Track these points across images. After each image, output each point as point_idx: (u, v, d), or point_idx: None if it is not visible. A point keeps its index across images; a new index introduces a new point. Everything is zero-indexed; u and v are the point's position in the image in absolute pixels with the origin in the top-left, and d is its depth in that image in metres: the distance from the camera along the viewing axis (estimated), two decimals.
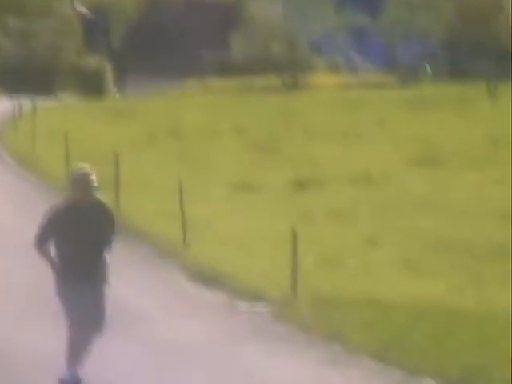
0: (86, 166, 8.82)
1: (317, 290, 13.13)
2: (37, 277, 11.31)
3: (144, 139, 28.42)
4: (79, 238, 8.59)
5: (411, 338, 10.86)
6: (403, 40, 56.15)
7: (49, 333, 10.20)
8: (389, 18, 55.20)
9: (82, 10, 51.33)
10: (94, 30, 46.85)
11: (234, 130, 30.97)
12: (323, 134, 29.91)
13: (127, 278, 13.23)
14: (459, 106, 39.20)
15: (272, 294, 13.19)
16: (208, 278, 14.08)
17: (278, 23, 48.42)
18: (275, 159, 24.86)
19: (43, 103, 34.12)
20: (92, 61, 45.39)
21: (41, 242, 8.65)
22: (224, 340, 11.16)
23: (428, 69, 55.63)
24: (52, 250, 8.70)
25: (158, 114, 34.40)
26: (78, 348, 8.85)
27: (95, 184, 8.69)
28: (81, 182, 8.64)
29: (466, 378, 9.56)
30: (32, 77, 38.66)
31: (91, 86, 41.52)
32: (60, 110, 36.04)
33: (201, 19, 44.92)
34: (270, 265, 14.02)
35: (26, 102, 32.32)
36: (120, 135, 28.29)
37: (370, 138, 28.39)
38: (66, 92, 41.07)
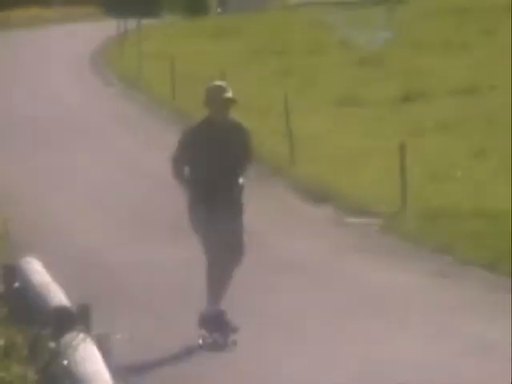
0: (221, 82, 8.65)
1: (425, 203, 13.46)
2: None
3: (248, 56, 28.90)
4: (212, 160, 8.07)
5: None
6: None
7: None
8: None
9: None
10: None
11: (340, 44, 30.87)
12: (429, 44, 30.18)
13: None
14: None
15: (381, 208, 13.46)
16: (316, 194, 14.40)
17: None
18: (381, 73, 24.85)
19: (149, 24, 34.80)
20: None
21: (176, 164, 8.14)
22: (336, 254, 11.44)
23: None
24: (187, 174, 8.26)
25: (261, 30, 34.88)
26: (217, 281, 8.24)
27: (231, 100, 8.22)
28: (214, 97, 8.17)
29: None
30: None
31: (196, 5, 43.07)
32: (165, 30, 37.24)
33: None
34: (378, 179, 14.37)
35: (132, 24, 32.73)
36: (224, 53, 28.78)
37: (477, 47, 28.06)
38: (171, 12, 41.72)
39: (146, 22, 33.59)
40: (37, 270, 7.97)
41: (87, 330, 6.49)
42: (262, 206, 13.72)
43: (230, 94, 8.09)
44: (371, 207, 13.48)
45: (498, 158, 15.84)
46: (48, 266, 7.76)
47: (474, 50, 28.14)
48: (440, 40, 30.23)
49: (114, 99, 23.60)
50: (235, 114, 18.67)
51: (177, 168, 8.05)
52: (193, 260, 9.55)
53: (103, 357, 5.79)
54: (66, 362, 5.86)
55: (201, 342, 7.97)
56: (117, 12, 34.51)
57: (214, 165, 7.93)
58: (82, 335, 6.14)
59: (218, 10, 45.76)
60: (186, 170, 8.14)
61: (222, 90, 8.17)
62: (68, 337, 6.20)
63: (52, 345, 6.48)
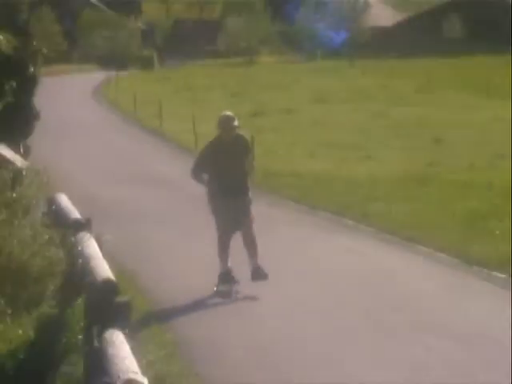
0: (229, 113, 10.82)
1: (264, 168, 19.07)
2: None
3: (173, 91, 46.42)
4: (225, 164, 10.48)
5: None
6: None
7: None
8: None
9: (141, 24, 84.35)
10: (146, 36, 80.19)
11: (219, 84, 49.19)
12: (268, 85, 50.96)
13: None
14: None
15: None
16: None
17: None
18: (242, 101, 38.44)
19: (121, 73, 56.92)
20: (146, 51, 75.10)
21: (195, 171, 10.71)
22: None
23: None
24: (206, 175, 10.76)
25: (180, 77, 55.09)
26: (225, 245, 10.64)
27: (236, 124, 10.63)
28: (225, 123, 10.56)
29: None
30: (114, 60, 65.03)
31: (146, 65, 68.47)
32: (130, 77, 58.63)
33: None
34: None
35: (112, 73, 56.33)
36: (161, 90, 46.23)
37: (293, 88, 45.22)
38: (133, 67, 67.56)
39: (120, 72, 56.94)
40: (64, 200, 11.46)
41: (90, 233, 9.72)
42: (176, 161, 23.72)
43: (236, 122, 10.66)
44: None
45: (302, 147, 25.27)
46: (70, 198, 11.52)
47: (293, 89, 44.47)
48: (276, 82, 47.21)
49: (103, 111, 38.76)
50: (167, 121, 30.18)
51: (196, 173, 10.74)
52: (147, 195, 17.85)
53: (99, 247, 9.00)
54: (79, 248, 9.02)
55: (215, 289, 10.52)
56: (106, 67, 62.20)
57: (226, 169, 10.48)
58: (87, 235, 9.50)
59: (158, 66, 71.33)
60: (204, 174, 10.69)
61: (230, 118, 10.66)
62: (80, 235, 9.65)
63: (72, 239, 9.73)
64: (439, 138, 24.79)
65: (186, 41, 76.89)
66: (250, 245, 10.59)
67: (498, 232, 13.54)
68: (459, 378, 8.00)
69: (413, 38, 66.89)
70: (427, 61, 53.83)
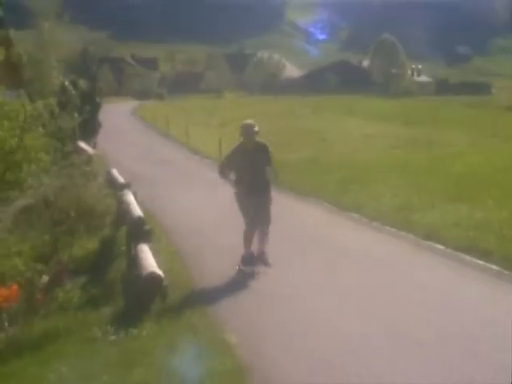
0: (250, 121, 10.52)
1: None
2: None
3: (175, 112, 57.03)
4: (248, 166, 10.33)
5: None
6: None
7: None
8: None
9: (158, 74, 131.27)
10: (161, 81, 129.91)
11: (200, 108, 63.49)
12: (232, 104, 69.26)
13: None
14: None
15: (212, 154, 27.61)
16: (190, 150, 29.96)
17: None
18: (213, 116, 52.35)
19: (146, 102, 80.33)
20: (160, 89, 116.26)
21: (223, 171, 10.46)
22: (185, 157, 27.29)
23: None
24: (233, 175, 10.36)
25: (179, 104, 73.59)
26: (250, 236, 10.61)
27: (256, 130, 10.29)
28: (247, 130, 10.35)
29: None
30: (143, 94, 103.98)
31: (160, 97, 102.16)
32: (151, 104, 76.95)
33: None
34: (214, 145, 28.98)
35: (142, 102, 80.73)
36: (168, 111, 57.36)
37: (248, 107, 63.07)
38: (153, 99, 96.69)
39: (146, 101, 77.21)
40: (115, 172, 16.74)
41: (130, 190, 13.47)
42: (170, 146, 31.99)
43: (256, 128, 10.28)
44: (208, 153, 27.65)
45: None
46: (118, 171, 17.22)
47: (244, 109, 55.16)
48: (233, 106, 60.62)
49: (136, 122, 49.91)
50: (172, 128, 38.04)
51: (223, 173, 10.44)
52: (159, 170, 23.49)
53: (134, 198, 12.63)
54: (123, 198, 12.86)
55: (237, 268, 10.60)
56: (138, 99, 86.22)
57: (249, 171, 10.35)
58: (128, 192, 13.17)
59: (167, 97, 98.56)
60: (232, 174, 10.38)
61: (252, 126, 10.32)
62: (124, 192, 13.43)
63: (119, 194, 13.67)
64: (324, 138, 33.27)
65: (183, 84, 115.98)
66: (263, 236, 10.73)
67: (355, 189, 17.28)
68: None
69: (309, 85, 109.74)
70: (317, 97, 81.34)
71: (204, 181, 19.76)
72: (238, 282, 9.87)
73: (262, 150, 10.40)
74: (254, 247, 10.61)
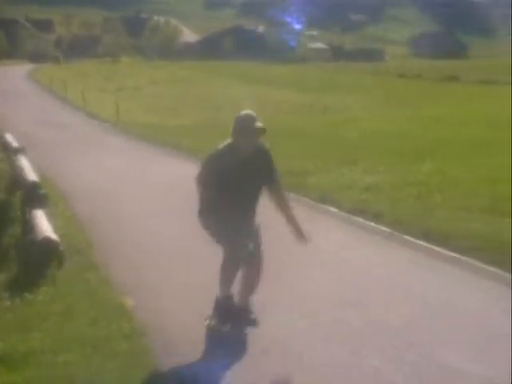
0: (250, 111, 6.68)
1: (125, 119, 28.74)
2: None
3: (71, 75, 59.21)
4: (239, 183, 6.59)
5: None
6: None
7: None
8: None
9: (53, 37, 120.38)
10: (57, 44, 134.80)
11: (97, 72, 69.64)
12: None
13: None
14: None
15: (111, 120, 29.44)
16: (105, 121, 30.24)
17: None
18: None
19: (41, 65, 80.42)
20: (56, 53, 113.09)
21: (198, 181, 6.70)
22: (98, 133, 27.84)
23: None
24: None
25: (75, 68, 74.17)
26: (233, 269, 6.79)
27: (261, 128, 6.57)
28: (245, 126, 6.59)
29: None
30: (38, 57, 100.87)
31: (56, 61, 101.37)
32: (47, 67, 77.85)
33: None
34: (111, 112, 31.55)
35: (36, 65, 79.21)
36: (64, 74, 59.10)
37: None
38: (49, 62, 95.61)
39: (41, 64, 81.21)
40: (9, 136, 20.58)
41: (24, 155, 15.53)
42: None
43: (260, 124, 6.57)
44: (105, 117, 28.47)
45: (143, 109, 32.99)
46: (12, 134, 19.71)
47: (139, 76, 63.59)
48: (129, 72, 67.07)
49: (31, 85, 53.04)
50: (70, 93, 41.85)
51: (198, 183, 6.72)
52: (55, 133, 23.91)
53: (28, 163, 17.52)
54: (17, 163, 14.17)
55: (206, 323, 7.00)
56: (33, 61, 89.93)
57: (239, 189, 6.62)
58: (22, 156, 15.08)
59: (63, 61, 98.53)
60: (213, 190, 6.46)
61: (253, 119, 6.60)
62: (17, 156, 19.16)
63: (13, 158, 14.19)
64: (218, 104, 35.89)
65: (79, 48, 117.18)
66: (253, 277, 6.93)
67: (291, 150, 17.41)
68: None
69: (206, 50, 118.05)
70: (214, 62, 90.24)
71: (101, 144, 20.18)
72: (137, 243, 10.03)
73: (263, 157, 6.81)
74: (236, 290, 6.94)
